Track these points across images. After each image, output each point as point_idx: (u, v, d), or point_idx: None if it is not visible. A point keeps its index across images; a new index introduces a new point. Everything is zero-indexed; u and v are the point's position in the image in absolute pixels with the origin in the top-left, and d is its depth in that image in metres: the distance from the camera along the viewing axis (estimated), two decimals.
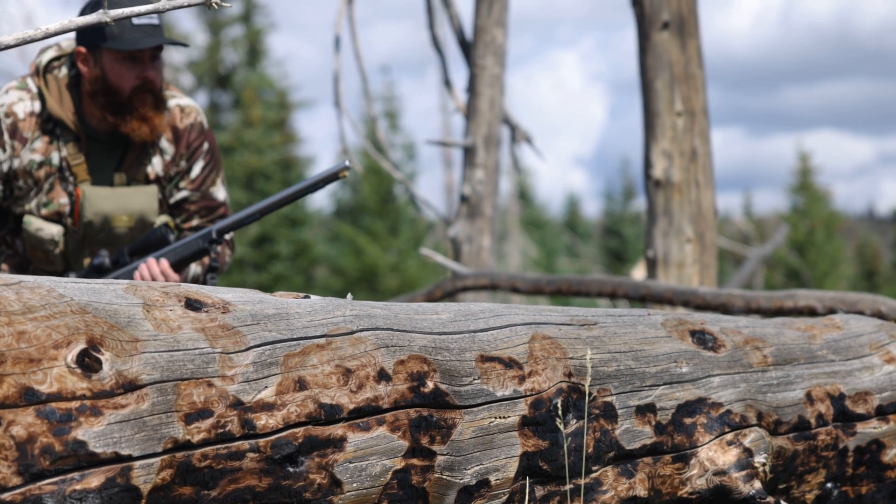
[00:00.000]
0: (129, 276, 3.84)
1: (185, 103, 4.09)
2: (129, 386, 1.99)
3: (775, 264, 29.21)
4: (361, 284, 25.57)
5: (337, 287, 25.59)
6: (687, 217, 5.86)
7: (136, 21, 3.77)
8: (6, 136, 3.88)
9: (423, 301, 5.79)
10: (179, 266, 3.84)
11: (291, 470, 2.17)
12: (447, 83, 6.82)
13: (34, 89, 3.94)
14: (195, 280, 4.03)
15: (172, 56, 30.76)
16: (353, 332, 2.34)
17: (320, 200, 31.05)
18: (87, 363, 1.96)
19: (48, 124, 3.92)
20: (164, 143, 4.06)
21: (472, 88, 6.36)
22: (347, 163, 3.55)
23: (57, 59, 4.00)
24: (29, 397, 1.88)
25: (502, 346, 2.56)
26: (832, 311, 4.46)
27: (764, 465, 2.83)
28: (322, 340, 2.28)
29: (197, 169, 4.10)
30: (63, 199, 3.95)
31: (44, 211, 3.96)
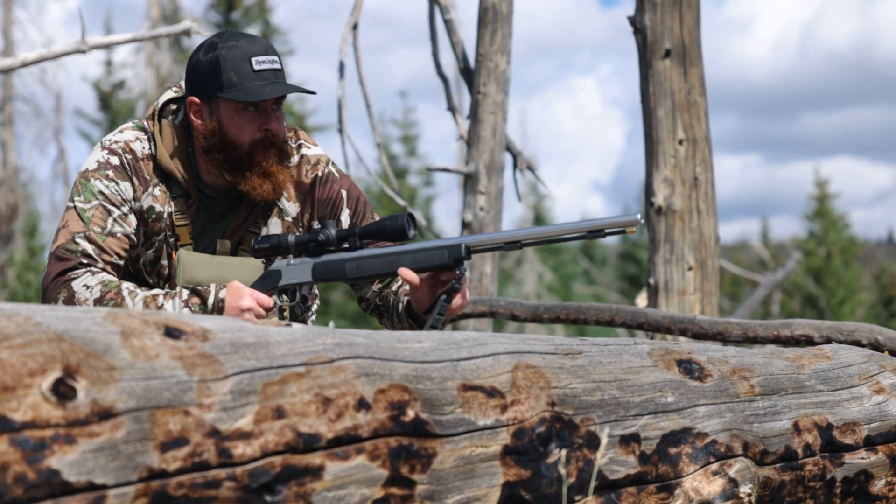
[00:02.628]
0: (376, 261, 3.36)
1: (312, 153, 3.71)
2: (105, 414, 1.99)
3: (792, 291, 29.18)
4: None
5: (354, 311, 25.60)
6: (688, 245, 5.88)
7: (256, 66, 3.45)
8: (129, 172, 3.54)
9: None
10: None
11: (269, 499, 2.17)
12: (451, 109, 6.84)
13: (149, 131, 3.61)
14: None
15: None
16: (333, 361, 2.34)
17: None
18: (62, 391, 1.97)
19: (162, 174, 3.58)
20: (285, 203, 3.68)
21: (474, 115, 6.38)
22: (639, 216, 3.07)
23: (175, 101, 3.67)
24: (2, 426, 1.88)
25: (485, 375, 2.56)
26: (829, 341, 4.46)
27: (749, 495, 2.83)
28: (301, 369, 2.29)
29: (345, 220, 3.70)
30: (164, 261, 3.62)
31: (149, 269, 3.63)
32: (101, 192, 3.52)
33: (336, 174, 3.73)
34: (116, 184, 3.54)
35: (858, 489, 3.12)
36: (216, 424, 2.12)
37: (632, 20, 6.09)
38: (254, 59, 3.47)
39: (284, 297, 3.53)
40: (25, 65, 1.78)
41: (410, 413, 2.39)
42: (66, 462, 1.93)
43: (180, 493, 2.06)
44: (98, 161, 3.56)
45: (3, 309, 2.04)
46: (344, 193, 3.71)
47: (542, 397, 2.61)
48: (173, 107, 3.66)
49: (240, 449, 2.14)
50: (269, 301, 3.45)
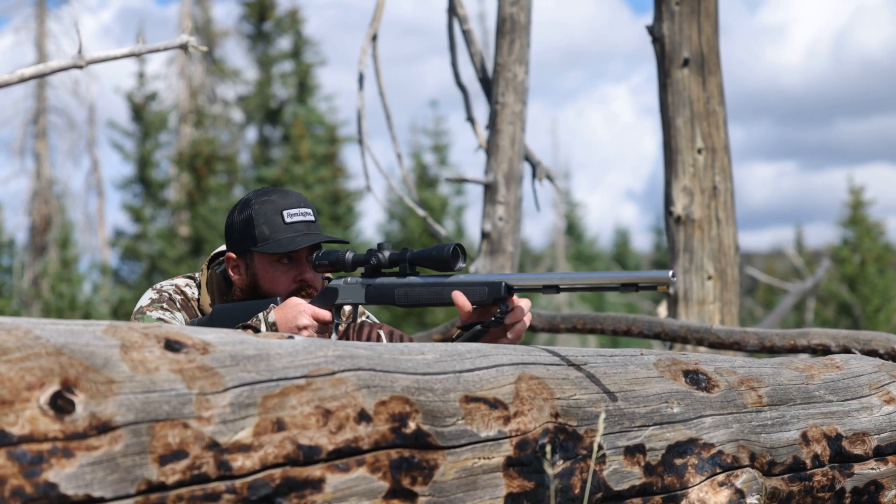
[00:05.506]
0: (422, 290, 3.32)
1: (348, 308, 3.72)
2: (103, 427, 2.00)
3: (827, 299, 28.98)
4: (409, 319, 25.61)
5: (383, 320, 25.60)
6: (708, 254, 5.86)
7: (287, 219, 3.54)
8: (180, 307, 3.61)
9: (440, 338, 5.79)
10: None
11: None
12: (470, 120, 6.83)
13: (197, 280, 3.70)
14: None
15: (225, 92, 31.06)
16: (334, 373, 2.35)
17: (367, 231, 31.14)
18: (60, 405, 1.98)
19: None
20: None
21: (492, 125, 6.37)
22: (671, 273, 2.91)
23: (224, 252, 3.74)
24: (0, 439, 1.90)
25: (488, 386, 2.56)
26: (846, 350, 4.44)
27: None
28: (302, 381, 2.29)
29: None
30: None
31: None
32: (160, 319, 3.58)
33: (373, 319, 3.77)
34: (172, 314, 3.59)
35: (868, 500, 3.11)
36: (215, 437, 2.13)
37: (650, 29, 6.09)
38: (285, 212, 3.54)
39: (343, 314, 3.54)
40: (23, 80, 1.80)
41: (412, 425, 2.39)
42: (63, 475, 1.94)
43: None
44: (151, 298, 3.62)
45: (3, 323, 2.06)
46: (381, 332, 3.68)
47: (545, 408, 2.61)
48: (221, 259, 3.73)
49: (239, 461, 2.14)
50: (327, 315, 3.43)
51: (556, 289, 3.10)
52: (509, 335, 3.26)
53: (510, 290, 3.20)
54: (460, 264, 3.29)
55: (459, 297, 3.23)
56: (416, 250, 3.38)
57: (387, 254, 3.41)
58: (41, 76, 1.80)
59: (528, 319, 3.23)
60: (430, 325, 25.27)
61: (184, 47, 2.01)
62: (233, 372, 2.22)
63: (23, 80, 1.86)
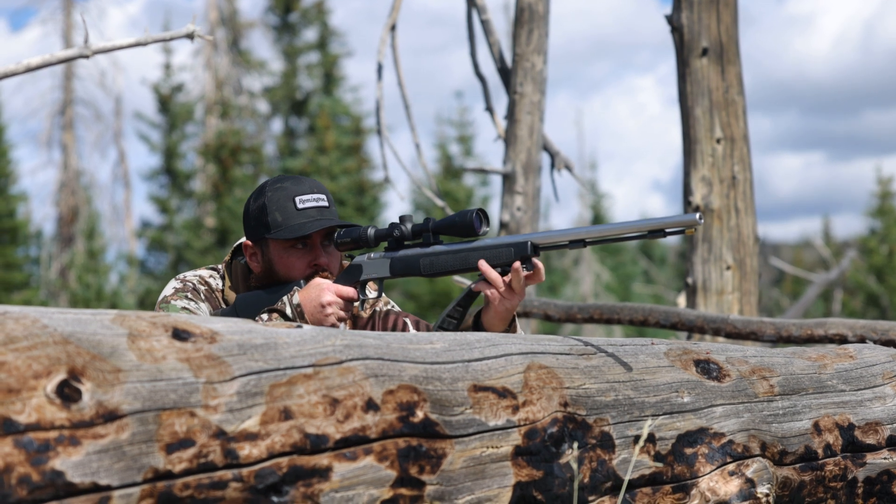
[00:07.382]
0: (448, 257, 3.31)
1: (370, 295, 3.70)
2: (109, 416, 2.01)
3: (854, 290, 28.89)
4: (434, 309, 25.64)
5: (409, 311, 25.64)
6: (727, 244, 5.85)
7: (300, 205, 3.54)
8: (204, 297, 3.60)
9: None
10: None
11: (276, 500, 2.18)
12: (489, 110, 6.84)
13: (220, 271, 3.70)
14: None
15: (251, 83, 31.13)
16: (341, 362, 2.35)
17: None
18: (67, 393, 1.98)
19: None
20: None
21: (511, 115, 6.37)
22: (698, 216, 2.87)
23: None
24: (7, 427, 1.90)
25: (496, 375, 2.57)
26: (863, 340, 4.43)
27: (767, 495, 2.81)
28: (309, 370, 2.30)
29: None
30: None
31: None
32: (185, 308, 3.57)
33: (395, 307, 3.75)
34: (196, 304, 3.60)
35: (881, 489, 3.10)
36: (222, 426, 2.13)
37: (669, 18, 6.07)
38: (297, 199, 3.54)
39: (368, 291, 3.55)
40: (29, 70, 1.80)
41: (419, 414, 2.39)
42: (70, 463, 1.95)
43: (186, 494, 2.07)
44: (175, 288, 3.62)
45: (11, 312, 2.07)
46: (408, 321, 3.71)
47: (554, 398, 2.61)
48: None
49: (246, 450, 2.15)
50: (351, 291, 3.44)
51: (582, 242, 3.08)
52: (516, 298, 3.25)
53: (536, 249, 3.18)
54: (484, 229, 3.28)
55: (487, 269, 3.21)
56: (438, 219, 3.37)
57: (409, 225, 3.40)
58: (49, 65, 1.81)
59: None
60: None
61: (190, 36, 2.02)
62: (240, 361, 2.22)
63: (29, 69, 1.87)
